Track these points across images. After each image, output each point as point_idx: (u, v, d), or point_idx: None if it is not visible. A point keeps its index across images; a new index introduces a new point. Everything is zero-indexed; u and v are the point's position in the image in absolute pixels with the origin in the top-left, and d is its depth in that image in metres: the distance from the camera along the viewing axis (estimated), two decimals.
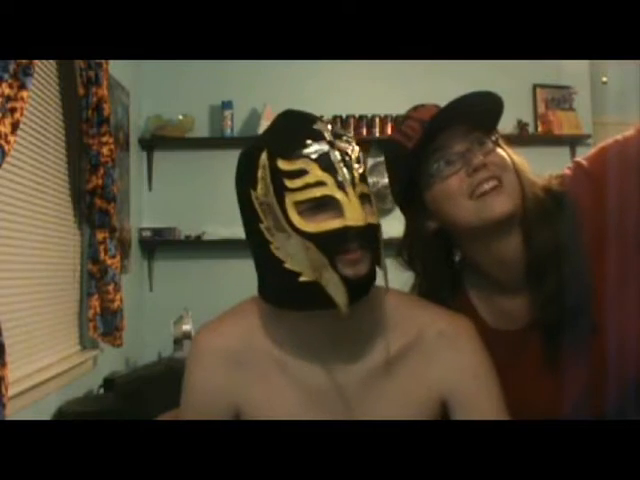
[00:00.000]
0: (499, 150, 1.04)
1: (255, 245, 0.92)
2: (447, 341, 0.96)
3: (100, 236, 2.51)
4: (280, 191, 0.85)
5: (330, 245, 0.84)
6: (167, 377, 2.48)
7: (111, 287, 2.54)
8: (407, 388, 0.94)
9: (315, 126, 0.88)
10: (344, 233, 0.84)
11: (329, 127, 0.89)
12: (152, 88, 3.62)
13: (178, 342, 3.11)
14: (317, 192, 0.84)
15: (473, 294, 1.13)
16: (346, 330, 0.93)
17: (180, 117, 3.57)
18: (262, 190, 0.87)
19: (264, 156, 0.87)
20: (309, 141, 0.86)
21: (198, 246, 3.59)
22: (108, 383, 2.57)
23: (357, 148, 0.91)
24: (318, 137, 0.87)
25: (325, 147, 0.86)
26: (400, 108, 4.15)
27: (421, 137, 1.02)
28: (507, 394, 0.98)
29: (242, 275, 3.18)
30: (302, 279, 0.85)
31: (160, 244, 3.59)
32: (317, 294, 0.85)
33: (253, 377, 0.96)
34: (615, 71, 3.66)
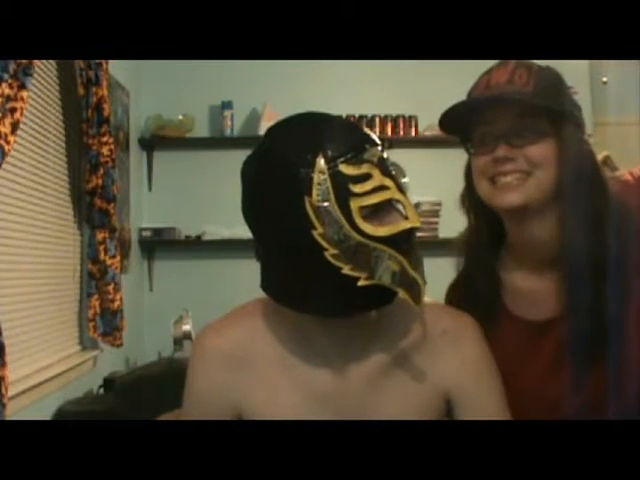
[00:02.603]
0: (543, 142, 1.02)
1: (300, 254, 0.86)
2: (451, 338, 0.96)
3: (100, 236, 2.51)
4: (344, 196, 0.83)
5: (400, 246, 0.86)
6: (167, 377, 2.48)
7: (111, 287, 2.54)
8: (412, 387, 0.95)
9: (365, 130, 0.90)
10: (410, 234, 0.87)
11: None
12: (152, 88, 3.62)
13: (178, 342, 3.11)
14: (382, 196, 0.85)
15: (501, 278, 1.13)
16: (354, 332, 0.94)
17: (180, 117, 3.57)
18: (319, 196, 0.83)
19: (321, 161, 0.84)
20: (367, 145, 0.86)
21: (198, 246, 3.59)
22: (108, 383, 2.57)
23: None
24: (373, 142, 0.88)
25: (380, 151, 0.88)
26: (400, 108, 4.17)
27: (468, 103, 1.05)
28: (519, 383, 0.99)
29: (242, 275, 3.18)
30: (362, 283, 0.85)
31: (160, 244, 3.58)
32: (373, 296, 0.87)
33: (256, 378, 0.96)
34: (615, 71, 3.66)
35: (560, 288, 1.05)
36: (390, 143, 3.64)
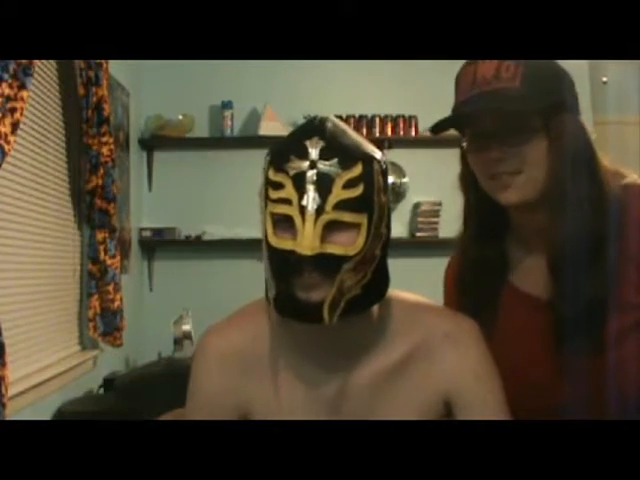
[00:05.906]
0: (534, 139, 1.01)
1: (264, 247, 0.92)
2: (452, 342, 0.96)
3: (100, 236, 2.51)
4: (266, 199, 0.87)
5: (280, 263, 0.85)
6: (167, 377, 2.48)
7: (111, 287, 2.54)
8: (412, 391, 0.94)
9: (307, 141, 0.85)
10: (291, 256, 0.83)
11: (322, 144, 0.84)
12: (152, 88, 3.62)
13: (178, 342, 3.11)
14: (283, 209, 0.85)
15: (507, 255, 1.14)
16: (346, 337, 0.93)
17: (180, 117, 3.57)
18: (262, 190, 0.89)
19: (268, 158, 0.89)
20: (293, 156, 0.85)
21: (198, 246, 3.59)
22: (108, 383, 2.57)
23: (357, 172, 0.84)
24: (302, 154, 0.84)
25: (304, 166, 0.84)
26: (400, 108, 4.16)
27: (457, 105, 1.04)
28: (525, 355, 1.03)
29: (242, 275, 3.18)
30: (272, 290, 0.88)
31: (160, 244, 3.58)
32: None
33: (259, 380, 0.95)
34: (615, 71, 3.67)
35: (551, 272, 1.05)
36: (390, 143, 3.64)
